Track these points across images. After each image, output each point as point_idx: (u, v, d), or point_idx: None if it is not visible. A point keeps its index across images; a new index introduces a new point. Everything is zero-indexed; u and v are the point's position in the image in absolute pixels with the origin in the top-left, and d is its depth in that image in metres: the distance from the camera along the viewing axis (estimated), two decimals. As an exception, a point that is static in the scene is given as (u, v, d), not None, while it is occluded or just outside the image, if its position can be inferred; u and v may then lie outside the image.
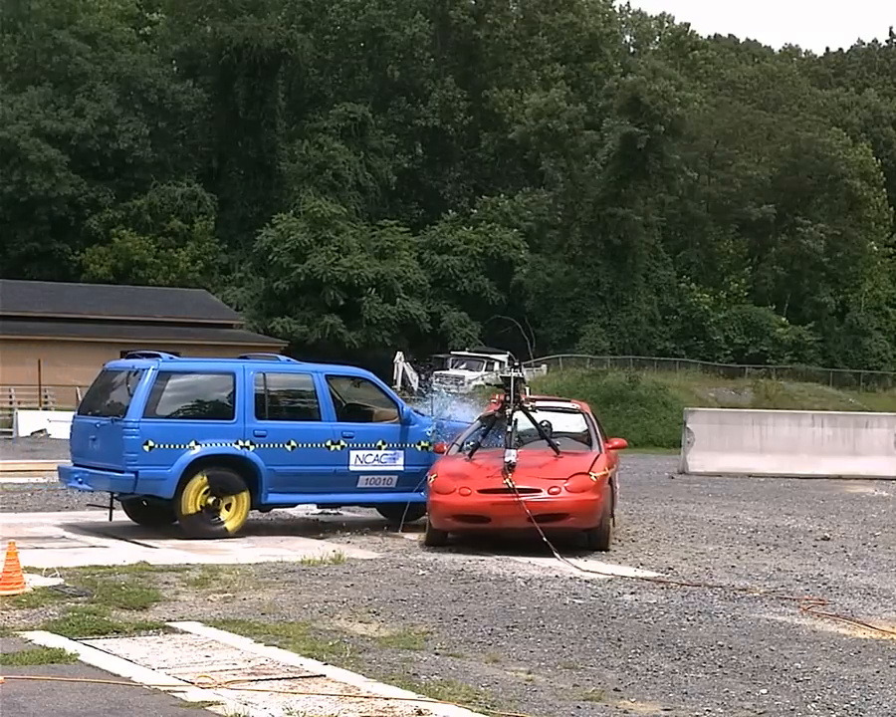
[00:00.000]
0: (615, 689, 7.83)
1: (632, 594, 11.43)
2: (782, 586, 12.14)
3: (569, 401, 17.57)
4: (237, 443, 14.66)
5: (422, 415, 16.21)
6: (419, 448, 15.73)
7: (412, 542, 14.66)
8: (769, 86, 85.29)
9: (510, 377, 14.83)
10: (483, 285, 70.25)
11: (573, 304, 70.34)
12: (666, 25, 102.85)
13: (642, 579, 12.35)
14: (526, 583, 11.86)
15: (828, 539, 16.21)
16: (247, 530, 14.98)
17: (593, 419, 16.09)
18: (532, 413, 15.11)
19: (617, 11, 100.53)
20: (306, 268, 65.81)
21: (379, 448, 15.45)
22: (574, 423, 16.10)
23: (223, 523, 14.63)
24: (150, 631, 9.11)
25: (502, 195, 76.90)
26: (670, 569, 13.08)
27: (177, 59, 79.43)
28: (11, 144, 67.73)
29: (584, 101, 78.75)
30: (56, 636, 8.72)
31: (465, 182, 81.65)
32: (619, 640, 9.31)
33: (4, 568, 10.45)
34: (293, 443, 14.95)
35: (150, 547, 13.66)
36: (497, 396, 15.85)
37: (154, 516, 15.41)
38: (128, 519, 15.60)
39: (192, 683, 7.57)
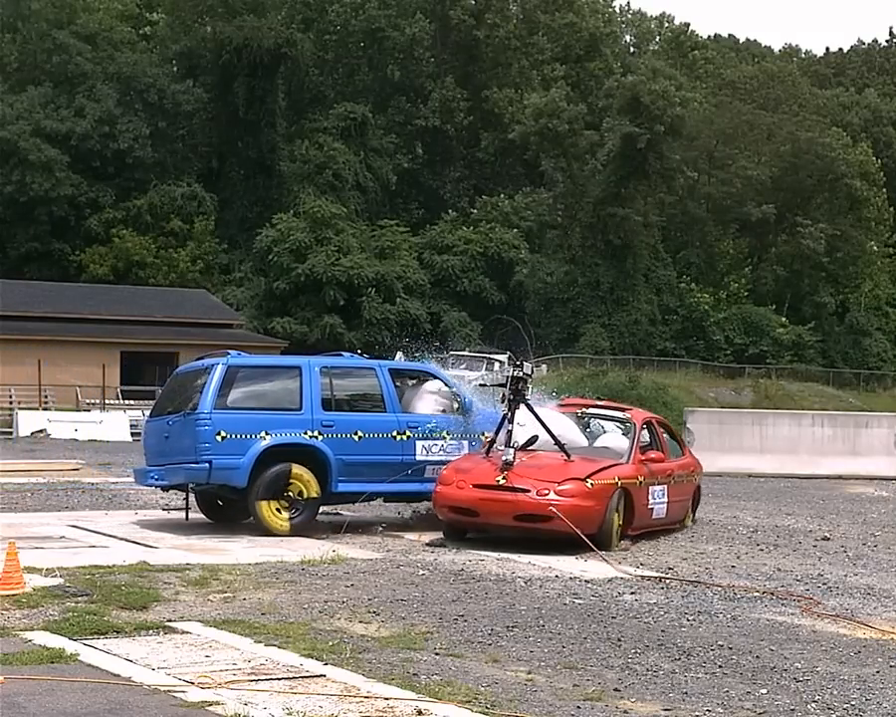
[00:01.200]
0: (615, 689, 7.83)
1: (632, 594, 11.43)
2: (782, 586, 12.14)
3: (627, 409, 17.19)
4: (305, 433, 14.98)
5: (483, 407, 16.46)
6: (483, 438, 15.82)
7: (412, 542, 14.67)
8: (769, 86, 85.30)
9: (512, 376, 14.81)
10: (483, 285, 70.29)
11: (573, 304, 70.37)
12: (666, 25, 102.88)
13: (642, 578, 12.35)
14: (526, 583, 11.86)
15: (828, 539, 16.21)
16: (247, 530, 14.99)
17: (639, 429, 15.83)
18: (538, 413, 15.10)
19: (617, 11, 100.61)
20: (306, 268, 65.83)
21: (444, 438, 15.72)
22: (616, 431, 16.09)
23: (304, 508, 14.98)
24: (150, 631, 9.11)
25: (502, 195, 76.93)
26: (670, 569, 13.08)
27: (177, 59, 79.45)
28: (11, 144, 67.76)
29: (584, 101, 78.78)
30: (56, 636, 8.72)
31: (465, 182, 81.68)
32: (619, 640, 9.31)
33: (4, 568, 10.44)
34: (359, 433, 15.27)
35: (150, 547, 13.65)
36: (565, 399, 16.65)
37: (228, 514, 15.78)
38: (121, 521, 15.59)
39: (192, 683, 7.57)
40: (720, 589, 11.83)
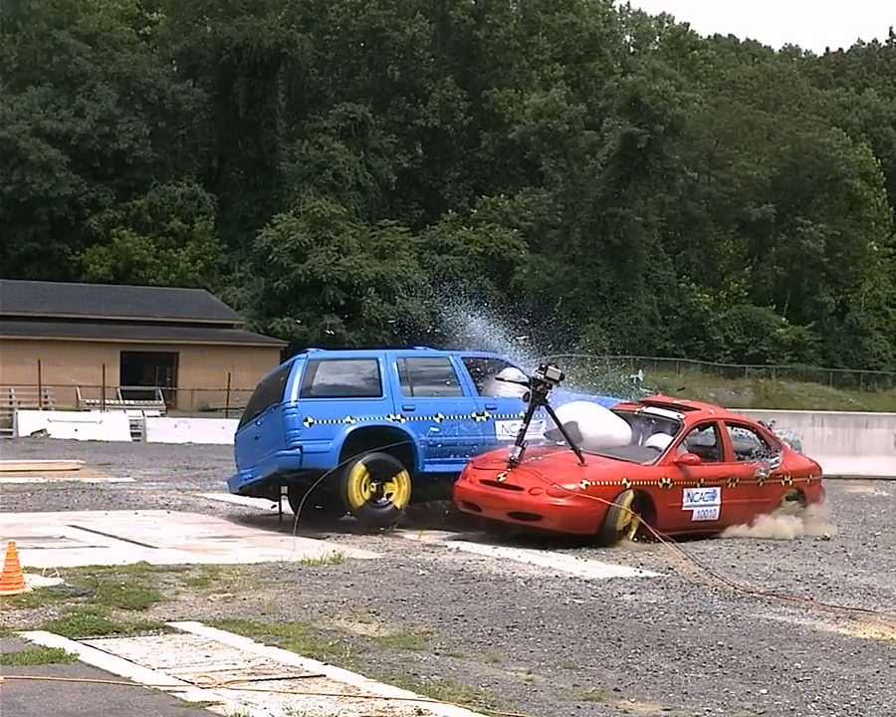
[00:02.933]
0: (615, 689, 7.83)
1: (632, 594, 11.43)
2: (782, 586, 12.14)
3: (693, 408, 16.99)
4: (388, 417, 15.45)
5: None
6: None
7: (412, 542, 14.67)
8: (769, 86, 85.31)
9: (533, 378, 15.14)
10: (483, 285, 70.27)
11: (573, 304, 70.38)
12: (666, 25, 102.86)
13: (642, 579, 12.35)
14: (526, 583, 11.86)
15: (828, 539, 16.20)
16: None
17: (685, 431, 15.71)
18: (556, 414, 15.34)
19: (617, 11, 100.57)
20: (306, 268, 65.82)
21: (522, 419, 15.90)
22: (667, 431, 15.95)
23: (391, 502, 15.33)
24: (150, 631, 9.11)
25: (502, 195, 76.91)
26: (670, 569, 13.07)
27: (177, 59, 79.45)
28: (11, 144, 67.76)
29: (584, 101, 78.79)
30: (56, 636, 8.72)
31: (465, 182, 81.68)
32: (619, 640, 9.31)
33: (4, 568, 10.44)
34: (440, 415, 15.71)
35: (150, 547, 13.64)
36: (648, 397, 16.48)
37: (322, 513, 15.98)
38: (119, 521, 15.58)
39: (192, 683, 7.57)
40: (720, 589, 11.83)
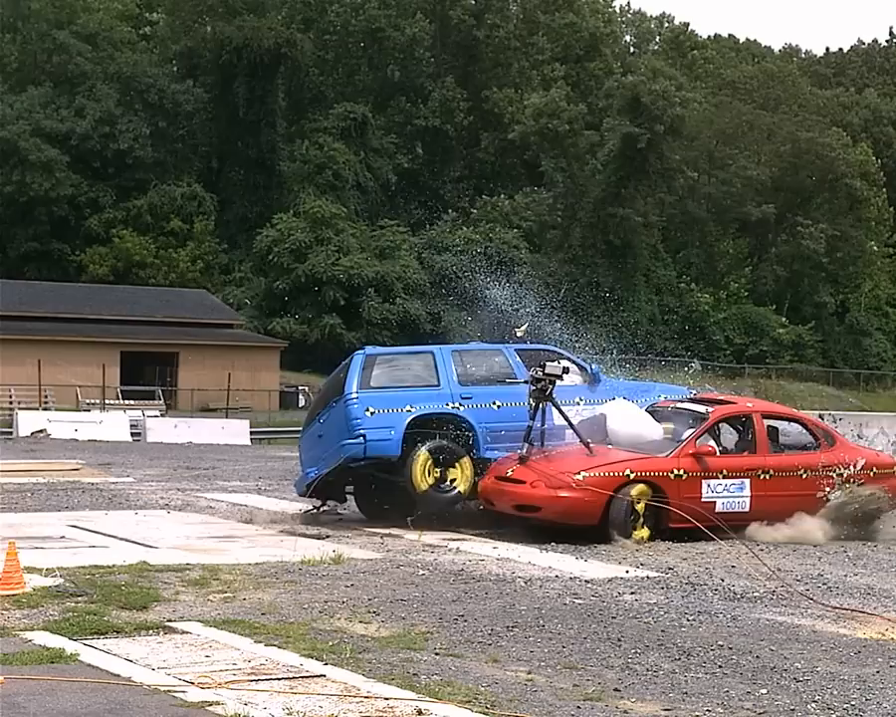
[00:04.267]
0: (615, 689, 7.83)
1: (632, 594, 11.43)
2: (781, 586, 12.14)
3: (732, 402, 17.10)
4: (447, 405, 15.85)
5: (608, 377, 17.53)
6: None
7: (412, 542, 14.67)
8: (769, 86, 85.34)
9: (533, 376, 15.50)
10: (483, 285, 70.22)
11: (573, 304, 70.32)
12: (666, 25, 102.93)
13: (642, 579, 12.35)
14: (526, 583, 11.86)
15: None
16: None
17: (707, 425, 15.79)
18: (563, 410, 15.66)
19: (617, 11, 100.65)
20: (306, 268, 65.84)
21: (578, 403, 16.45)
22: (694, 425, 15.96)
23: (455, 487, 15.57)
24: (150, 631, 9.10)
25: (502, 195, 76.94)
26: (670, 569, 13.06)
27: (177, 59, 79.49)
28: (11, 144, 67.78)
29: (584, 101, 78.82)
30: (56, 636, 8.71)
31: (465, 182, 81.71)
32: (619, 640, 9.30)
33: (4, 568, 10.44)
34: (497, 402, 16.06)
35: (150, 547, 13.64)
36: (700, 393, 17.37)
37: (385, 509, 16.25)
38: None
39: (192, 683, 7.56)
40: (720, 589, 11.83)
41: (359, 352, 16.40)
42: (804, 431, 16.84)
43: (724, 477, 15.54)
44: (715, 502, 15.47)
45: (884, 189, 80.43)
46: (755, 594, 11.68)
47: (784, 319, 75.01)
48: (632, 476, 14.86)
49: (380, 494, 16.30)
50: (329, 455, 15.78)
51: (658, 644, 9.22)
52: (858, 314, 78.44)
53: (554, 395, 15.51)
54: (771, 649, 9.18)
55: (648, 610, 10.57)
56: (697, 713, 7.36)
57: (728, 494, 15.57)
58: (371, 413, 15.42)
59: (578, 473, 14.78)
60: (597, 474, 14.79)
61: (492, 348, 17.35)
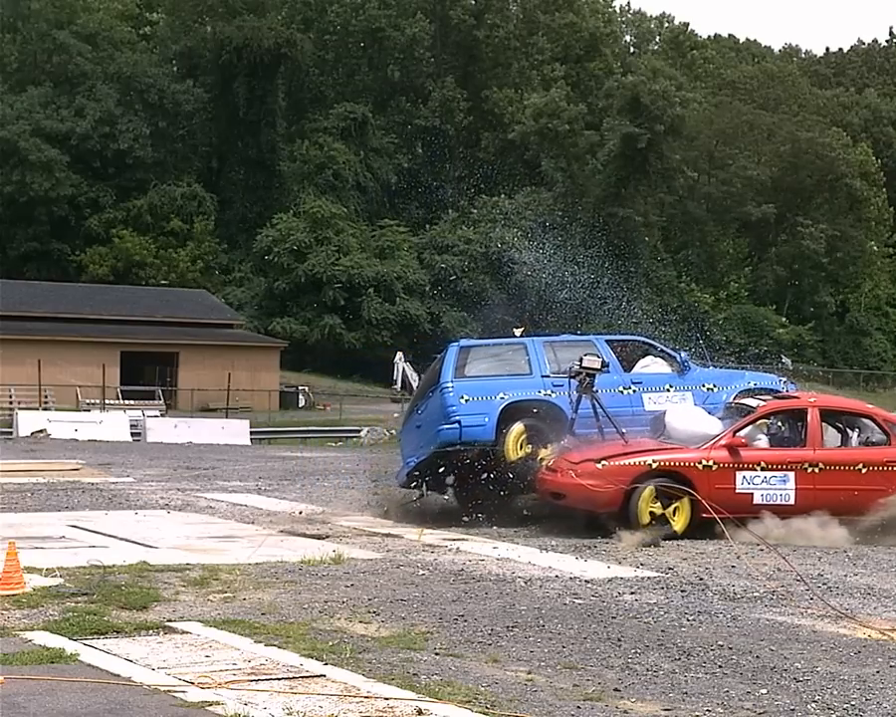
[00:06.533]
0: (615, 689, 7.83)
1: (632, 594, 11.42)
2: (782, 586, 12.14)
3: (795, 397, 17.05)
4: (539, 392, 16.35)
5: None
6: (704, 389, 17.07)
7: (412, 542, 14.66)
8: (769, 86, 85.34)
9: (571, 371, 15.98)
10: (483, 285, 70.26)
11: (573, 304, 70.31)
12: (666, 25, 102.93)
13: (642, 579, 12.35)
14: (526, 583, 11.85)
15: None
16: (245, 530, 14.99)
17: (750, 419, 15.82)
18: (600, 402, 16.06)
19: (617, 11, 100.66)
20: (306, 268, 65.84)
21: (668, 391, 16.82)
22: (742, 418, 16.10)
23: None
24: (150, 631, 9.10)
25: (502, 195, 76.92)
26: (670, 569, 13.06)
27: (177, 59, 79.49)
28: (11, 144, 67.80)
29: (584, 101, 78.83)
30: (56, 636, 8.71)
31: (465, 182, 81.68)
32: (619, 640, 9.30)
33: (4, 568, 10.44)
34: None
35: (150, 547, 13.64)
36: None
37: (488, 506, 16.45)
38: (121, 519, 15.55)
39: (192, 683, 7.56)
40: (720, 589, 11.83)
41: (454, 343, 17.10)
42: (873, 426, 16.43)
43: (762, 469, 15.49)
44: (752, 493, 15.48)
45: (884, 189, 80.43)
46: (755, 594, 11.69)
47: (784, 319, 75.02)
48: (654, 466, 15.08)
49: (478, 489, 16.50)
50: (426, 442, 16.38)
51: (658, 644, 9.21)
52: (858, 314, 78.44)
53: (595, 388, 15.90)
54: (771, 649, 9.18)
55: (648, 610, 10.57)
56: (697, 713, 7.36)
57: (768, 486, 15.52)
58: (466, 400, 16.01)
59: (599, 461, 15.11)
60: (619, 463, 15.10)
61: (582, 339, 17.86)
